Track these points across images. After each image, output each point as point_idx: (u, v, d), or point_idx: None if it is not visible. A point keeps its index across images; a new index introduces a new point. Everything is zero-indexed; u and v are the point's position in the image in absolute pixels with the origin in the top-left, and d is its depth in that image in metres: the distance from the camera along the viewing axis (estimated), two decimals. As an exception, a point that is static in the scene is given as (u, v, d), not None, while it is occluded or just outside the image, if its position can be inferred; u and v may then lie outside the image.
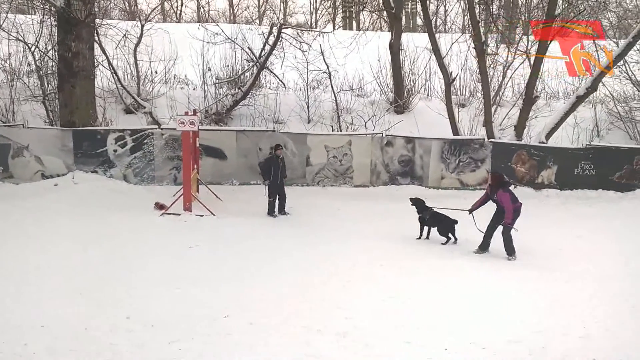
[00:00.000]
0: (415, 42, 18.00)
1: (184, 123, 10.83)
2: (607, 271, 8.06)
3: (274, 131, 14.13)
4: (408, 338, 5.69)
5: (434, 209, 9.49)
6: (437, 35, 15.88)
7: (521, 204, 8.71)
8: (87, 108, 13.86)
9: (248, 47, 15.81)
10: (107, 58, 15.66)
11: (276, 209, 11.12)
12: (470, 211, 9.04)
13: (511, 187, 9.08)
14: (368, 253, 8.62)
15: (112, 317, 5.98)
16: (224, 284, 7.06)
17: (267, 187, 11.03)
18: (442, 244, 9.29)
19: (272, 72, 16.32)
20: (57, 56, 14.20)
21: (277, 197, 11.10)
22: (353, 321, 6.04)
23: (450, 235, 9.32)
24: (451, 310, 6.43)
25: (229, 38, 15.98)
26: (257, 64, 15.83)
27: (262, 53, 15.81)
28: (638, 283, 7.52)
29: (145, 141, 13.39)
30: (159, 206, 11.09)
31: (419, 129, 15.32)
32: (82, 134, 13.26)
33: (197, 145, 12.66)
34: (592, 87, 14.74)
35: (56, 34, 14.18)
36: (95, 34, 14.63)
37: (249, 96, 16.05)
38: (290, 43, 15.61)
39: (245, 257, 8.24)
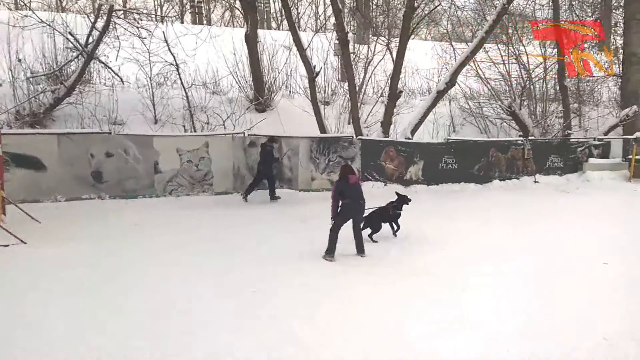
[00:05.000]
0: (273, 37, 16.76)
1: (-30, 122, 7.86)
2: (503, 270, 7.26)
3: (110, 133, 11.58)
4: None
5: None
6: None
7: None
8: None
9: (69, 33, 12.80)
10: None
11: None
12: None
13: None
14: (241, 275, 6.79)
15: None
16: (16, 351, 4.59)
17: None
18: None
19: (104, 64, 13.49)
20: None
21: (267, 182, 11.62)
22: None
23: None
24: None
25: (42, 21, 12.77)
26: (84, 53, 12.90)
27: (90, 41, 12.95)
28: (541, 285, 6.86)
29: None
30: (-57, 237, 7.94)
31: (284, 127, 14.00)
32: None
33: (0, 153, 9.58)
34: (451, 82, 14.94)
35: None
36: None
37: (75, 93, 13.07)
38: (126, 29, 12.96)
39: (58, 303, 5.73)
